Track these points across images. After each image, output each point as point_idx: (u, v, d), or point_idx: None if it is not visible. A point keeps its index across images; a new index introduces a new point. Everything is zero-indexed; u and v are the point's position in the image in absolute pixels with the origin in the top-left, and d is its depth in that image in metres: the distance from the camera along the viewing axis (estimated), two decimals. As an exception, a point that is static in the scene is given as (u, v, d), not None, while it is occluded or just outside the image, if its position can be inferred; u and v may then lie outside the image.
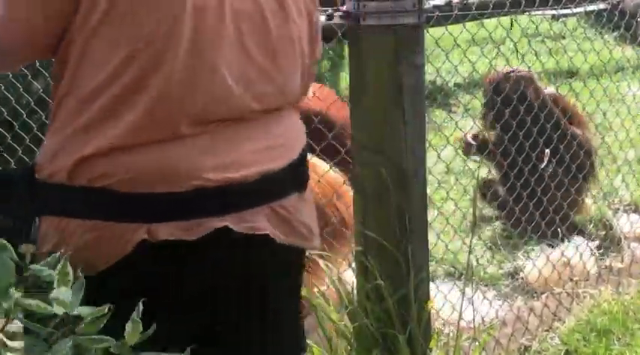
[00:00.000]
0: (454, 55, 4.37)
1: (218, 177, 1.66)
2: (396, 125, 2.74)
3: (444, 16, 3.89)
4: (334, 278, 2.83)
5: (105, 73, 1.62)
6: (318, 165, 3.21)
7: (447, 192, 4.09)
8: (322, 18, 2.79)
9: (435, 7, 3.99)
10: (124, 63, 1.61)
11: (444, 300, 3.46)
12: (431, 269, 3.25)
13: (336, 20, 2.77)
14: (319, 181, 3.14)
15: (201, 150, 1.67)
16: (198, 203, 1.65)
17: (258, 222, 1.71)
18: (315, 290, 2.86)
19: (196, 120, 1.65)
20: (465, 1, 3.32)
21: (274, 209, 1.74)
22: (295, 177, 1.81)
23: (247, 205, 1.71)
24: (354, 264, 2.94)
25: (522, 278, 4.14)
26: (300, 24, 1.81)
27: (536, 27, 5.12)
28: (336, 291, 2.82)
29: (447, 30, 3.77)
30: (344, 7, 2.75)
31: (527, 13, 5.10)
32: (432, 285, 3.13)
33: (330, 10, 2.79)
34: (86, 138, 1.64)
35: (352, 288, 2.89)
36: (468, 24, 4.32)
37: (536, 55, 4.37)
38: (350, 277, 3.03)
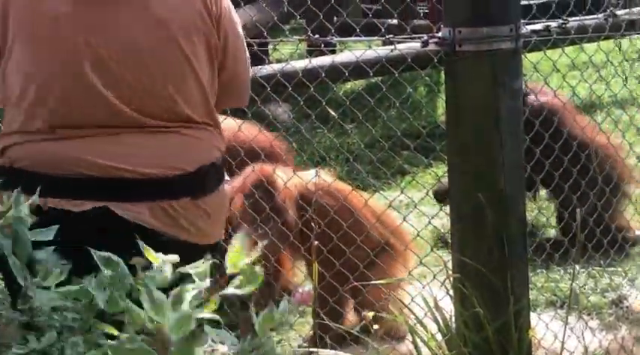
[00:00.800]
0: (553, 79, 4.31)
1: (100, 170, 2.25)
2: (493, 150, 2.72)
3: (542, 41, 3.85)
4: (432, 306, 2.81)
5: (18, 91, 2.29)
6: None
7: (547, 219, 4.03)
8: (417, 45, 2.79)
9: (533, 31, 3.94)
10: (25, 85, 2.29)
11: (546, 329, 3.39)
12: (531, 297, 3.20)
13: (432, 47, 2.77)
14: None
15: (88, 148, 2.27)
16: (83, 186, 2.25)
17: (140, 212, 2.25)
18: (412, 317, 2.84)
19: (76, 126, 2.27)
20: (563, 25, 3.27)
21: (161, 206, 2.27)
22: (188, 185, 2.31)
23: (126, 197, 2.26)
24: (451, 291, 2.91)
25: (627, 306, 4.04)
26: (191, 48, 2.30)
27: (638, 50, 5.03)
28: (434, 319, 2.80)
29: (545, 54, 3.73)
30: (439, 34, 2.75)
31: (628, 36, 5.00)
32: (532, 314, 3.08)
33: (425, 37, 2.79)
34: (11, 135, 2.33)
35: (450, 316, 2.86)
36: (567, 48, 4.26)
37: None
38: (448, 304, 3.00)
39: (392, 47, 3.06)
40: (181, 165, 2.32)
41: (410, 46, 3.39)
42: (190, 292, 1.82)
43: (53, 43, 2.27)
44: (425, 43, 2.78)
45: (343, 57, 4.84)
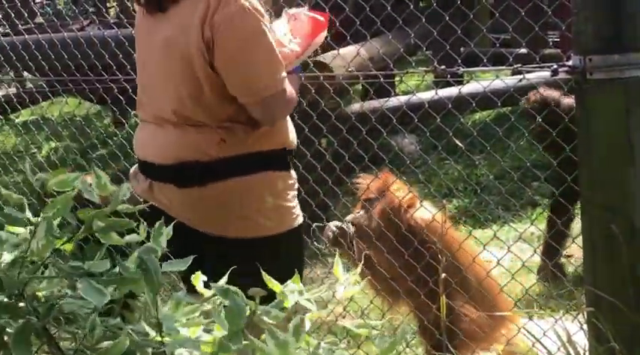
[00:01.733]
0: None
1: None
2: (627, 181, 2.64)
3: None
4: (565, 340, 2.73)
5: None
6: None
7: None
8: (547, 74, 2.75)
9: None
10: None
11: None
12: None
13: (562, 76, 2.72)
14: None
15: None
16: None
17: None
18: (544, 351, 2.77)
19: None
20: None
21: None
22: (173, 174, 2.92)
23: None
24: (585, 325, 2.83)
25: None
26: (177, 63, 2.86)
27: None
28: (567, 353, 2.72)
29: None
30: (569, 62, 2.70)
31: None
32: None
33: (554, 66, 2.74)
34: None
35: (584, 351, 2.78)
36: None
37: None
38: (581, 339, 2.92)
39: (521, 77, 3.01)
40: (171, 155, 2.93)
41: (539, 75, 3.32)
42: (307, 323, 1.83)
43: None
44: (555, 72, 2.73)
45: (470, 87, 4.81)
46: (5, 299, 1.86)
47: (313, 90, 4.45)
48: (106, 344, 1.90)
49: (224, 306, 1.89)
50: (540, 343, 2.83)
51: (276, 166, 2.94)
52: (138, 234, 1.99)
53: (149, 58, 2.98)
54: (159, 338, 1.89)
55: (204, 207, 2.89)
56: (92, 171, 1.99)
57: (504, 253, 3.37)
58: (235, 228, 2.89)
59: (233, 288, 1.88)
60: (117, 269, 1.92)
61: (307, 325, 1.84)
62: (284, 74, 2.85)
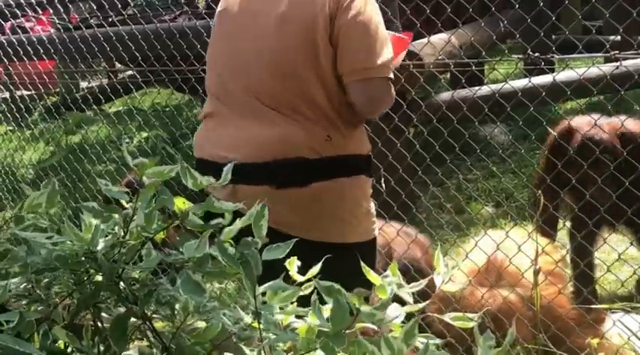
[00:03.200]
0: None
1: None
2: None
3: None
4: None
5: None
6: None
7: None
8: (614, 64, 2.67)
9: None
10: None
11: None
12: None
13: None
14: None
15: None
16: None
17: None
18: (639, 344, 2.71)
19: None
20: None
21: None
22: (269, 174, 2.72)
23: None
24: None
25: None
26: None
27: None
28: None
29: None
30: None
31: None
32: None
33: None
34: None
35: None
36: None
37: None
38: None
39: (617, 64, 2.94)
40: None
41: (636, 62, 3.25)
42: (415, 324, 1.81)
43: None
44: None
45: (565, 75, 4.72)
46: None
47: (403, 79, 4.42)
48: (200, 324, 1.92)
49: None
50: (636, 336, 2.76)
51: (367, 171, 2.89)
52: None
53: (243, 44, 2.89)
54: (255, 325, 1.89)
55: (305, 209, 2.74)
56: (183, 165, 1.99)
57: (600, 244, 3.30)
58: (336, 232, 2.75)
59: (337, 286, 1.87)
60: (208, 253, 1.92)
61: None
62: (392, 65, 2.82)
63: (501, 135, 6.61)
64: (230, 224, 1.95)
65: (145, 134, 7.64)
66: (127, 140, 7.12)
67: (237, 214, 2.25)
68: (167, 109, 7.13)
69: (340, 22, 2.74)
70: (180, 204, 1.98)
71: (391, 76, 2.79)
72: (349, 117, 2.80)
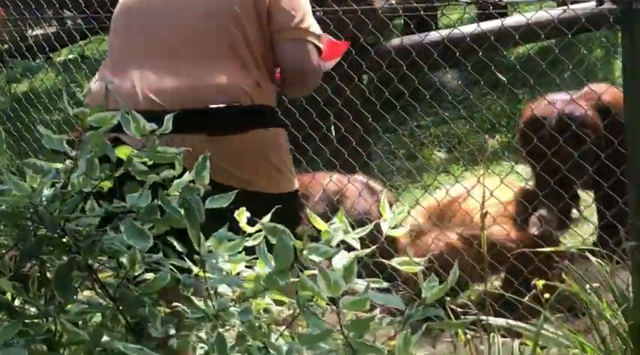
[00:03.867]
0: None
1: None
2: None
3: None
4: (607, 276, 2.71)
5: None
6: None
7: None
8: (592, 4, 2.68)
9: None
10: None
11: None
12: None
13: (607, 5, 2.65)
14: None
15: None
16: None
17: None
18: (588, 286, 2.75)
19: None
20: None
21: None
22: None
23: None
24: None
25: None
26: None
27: None
28: (609, 289, 2.70)
29: None
30: (615, -8, 2.63)
31: None
32: None
33: (599, -5, 2.67)
34: None
35: (627, 286, 2.75)
36: None
37: None
38: (626, 275, 2.89)
39: (565, 8, 2.94)
40: None
41: (584, 6, 3.25)
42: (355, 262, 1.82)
43: None
44: (600, 2, 2.66)
45: (513, 20, 4.72)
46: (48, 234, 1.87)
47: (352, 25, 4.39)
48: (148, 276, 1.91)
49: (272, 245, 1.88)
50: (583, 278, 2.80)
51: (285, 125, 2.85)
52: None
53: None
54: (202, 274, 1.89)
55: (242, 158, 2.63)
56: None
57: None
58: (272, 182, 2.68)
59: (281, 227, 1.86)
60: (157, 203, 1.91)
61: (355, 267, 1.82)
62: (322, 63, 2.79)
63: (452, 81, 6.62)
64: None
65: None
66: (76, 89, 7.01)
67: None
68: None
69: None
70: (124, 152, 1.96)
71: (322, 48, 2.75)
72: (272, 68, 2.77)
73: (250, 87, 2.63)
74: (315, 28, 2.74)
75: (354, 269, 1.79)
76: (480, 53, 3.95)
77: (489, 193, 3.24)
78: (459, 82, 6.46)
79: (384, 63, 4.39)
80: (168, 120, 1.98)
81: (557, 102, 4.00)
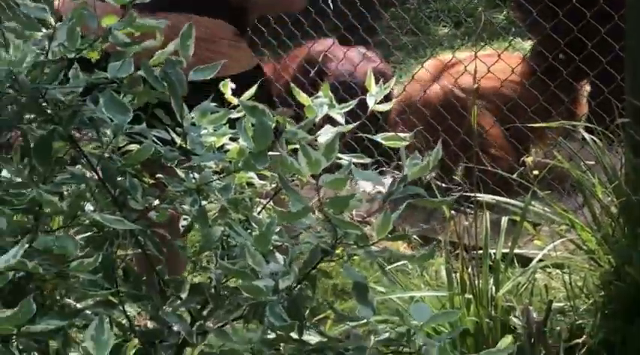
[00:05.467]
0: None
1: None
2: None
3: None
4: (600, 155, 2.68)
5: None
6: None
7: None
8: None
9: None
10: None
11: None
12: None
13: None
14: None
15: None
16: None
17: None
18: (582, 164, 2.73)
19: None
20: None
21: None
22: None
23: None
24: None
25: None
26: None
27: None
28: (602, 166, 2.67)
29: None
30: None
31: None
32: None
33: None
34: None
35: (621, 164, 2.73)
36: None
37: None
38: (618, 154, 2.87)
39: None
40: None
41: None
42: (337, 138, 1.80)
43: None
44: None
45: None
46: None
47: None
48: (133, 147, 1.90)
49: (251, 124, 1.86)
50: (576, 154, 2.78)
51: None
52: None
53: None
54: (184, 146, 1.89)
55: None
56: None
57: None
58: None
59: (261, 106, 1.85)
60: (139, 74, 1.89)
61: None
62: None
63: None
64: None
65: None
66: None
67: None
68: None
69: None
70: (109, 21, 1.92)
71: None
72: None
73: None
74: None
75: (335, 146, 1.78)
76: None
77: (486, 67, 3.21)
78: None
79: None
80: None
81: None
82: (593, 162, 2.77)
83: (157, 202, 1.90)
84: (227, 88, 2.08)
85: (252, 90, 2.04)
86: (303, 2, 2.84)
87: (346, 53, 4.22)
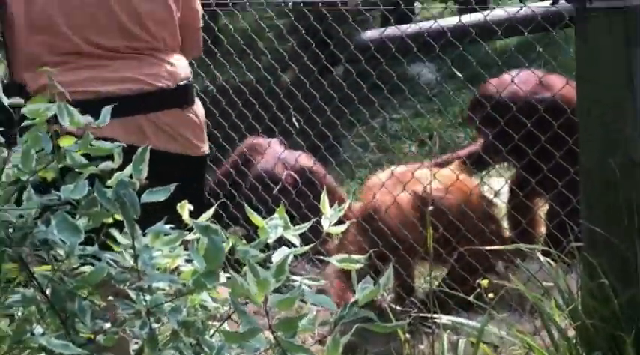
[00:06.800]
0: None
1: None
2: (626, 113, 2.57)
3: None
4: (557, 278, 2.69)
5: None
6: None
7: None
8: (547, 3, 2.68)
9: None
10: None
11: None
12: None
13: (562, 4, 2.64)
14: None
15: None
16: None
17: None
18: (538, 286, 2.74)
19: None
20: None
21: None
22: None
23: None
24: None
25: None
26: None
27: None
28: (558, 290, 2.68)
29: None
30: (569, -9, 2.61)
31: None
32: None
33: (554, -6, 2.66)
34: None
35: (577, 286, 2.74)
36: None
37: None
38: (574, 276, 2.88)
39: (549, 2, 2.89)
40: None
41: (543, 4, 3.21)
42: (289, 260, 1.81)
43: None
44: (555, 1, 2.65)
45: (495, 14, 4.67)
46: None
47: (330, 18, 4.37)
48: (86, 268, 1.90)
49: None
50: (534, 276, 2.80)
51: None
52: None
53: None
54: (137, 268, 1.88)
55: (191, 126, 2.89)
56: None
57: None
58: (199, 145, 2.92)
59: (213, 226, 1.85)
60: (95, 196, 1.90)
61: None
62: None
63: (429, 75, 6.56)
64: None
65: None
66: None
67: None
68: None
69: None
70: (67, 142, 1.95)
71: None
72: None
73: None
74: None
75: (285, 267, 1.78)
76: (461, 48, 3.91)
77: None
78: (436, 76, 6.40)
79: (362, 57, 4.35)
80: (107, 113, 1.97)
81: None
82: (551, 284, 2.78)
83: (108, 325, 1.89)
84: (185, 209, 2.09)
85: (211, 211, 2.05)
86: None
87: (270, 143, 4.51)
